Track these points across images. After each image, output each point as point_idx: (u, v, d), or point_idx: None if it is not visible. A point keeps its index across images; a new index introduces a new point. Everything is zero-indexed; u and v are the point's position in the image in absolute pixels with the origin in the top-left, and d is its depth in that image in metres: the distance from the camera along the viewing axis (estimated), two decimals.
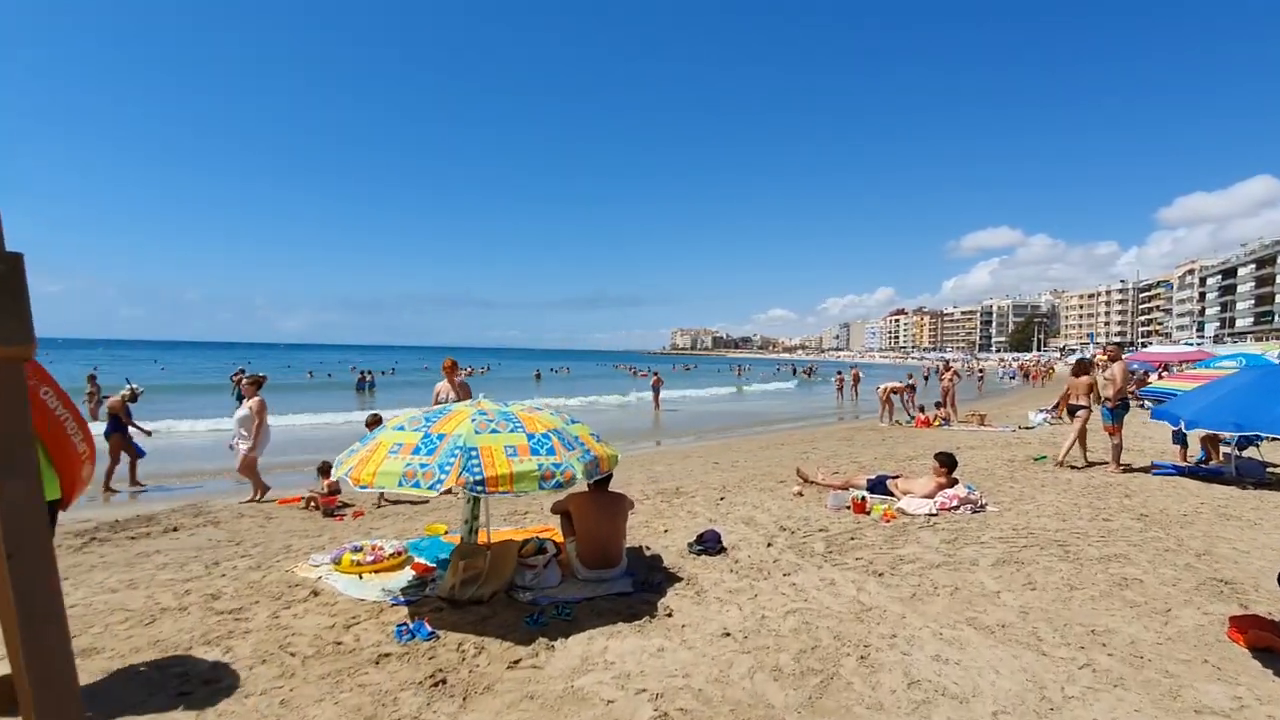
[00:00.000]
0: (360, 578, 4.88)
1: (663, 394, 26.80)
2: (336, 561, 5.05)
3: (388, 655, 3.66)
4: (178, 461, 12.61)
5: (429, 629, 3.90)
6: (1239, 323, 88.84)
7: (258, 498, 8.45)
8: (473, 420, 4.15)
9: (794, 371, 67.07)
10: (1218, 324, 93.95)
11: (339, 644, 3.82)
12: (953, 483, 7.40)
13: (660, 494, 8.23)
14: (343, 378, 41.61)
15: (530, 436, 4.15)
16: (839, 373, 34.49)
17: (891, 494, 7.64)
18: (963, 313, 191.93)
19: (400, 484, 3.82)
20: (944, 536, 6.11)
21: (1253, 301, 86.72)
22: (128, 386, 10.57)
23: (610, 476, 5.02)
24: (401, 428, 4.26)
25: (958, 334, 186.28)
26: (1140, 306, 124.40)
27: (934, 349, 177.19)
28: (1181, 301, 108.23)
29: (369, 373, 36.72)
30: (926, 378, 46.80)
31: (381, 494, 7.93)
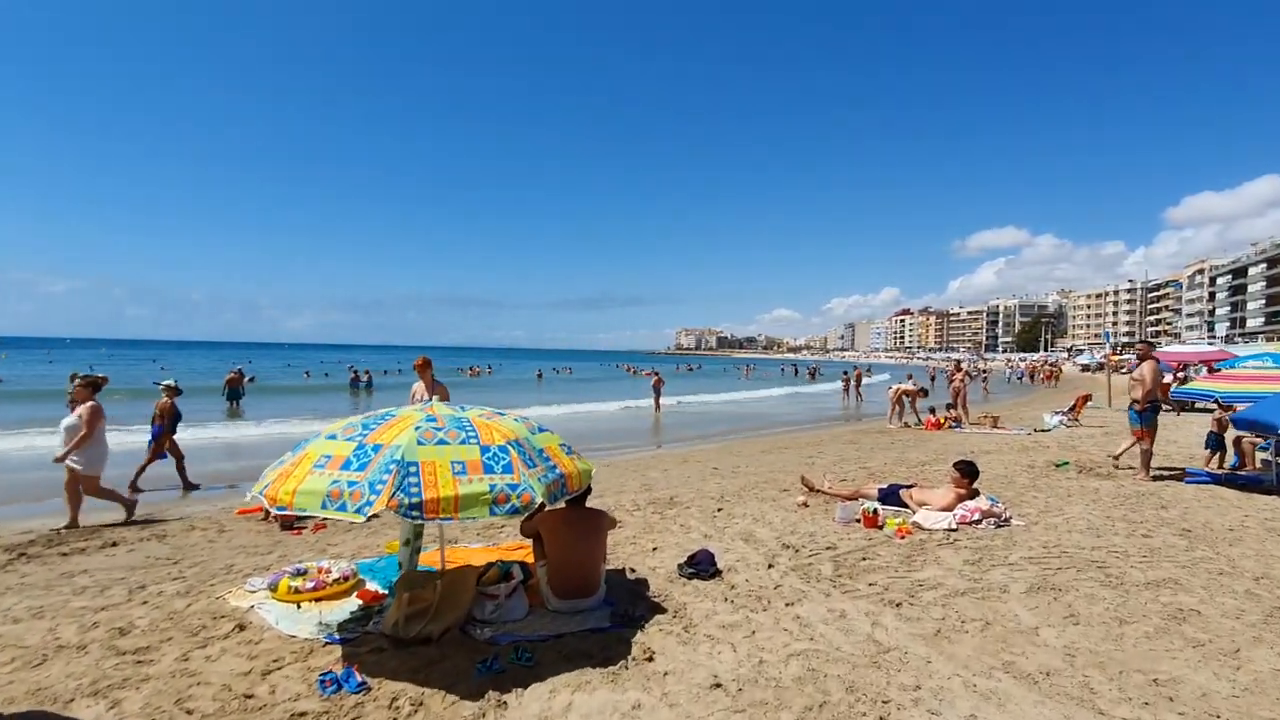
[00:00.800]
0: (298, 607, 4.24)
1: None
2: (273, 588, 4.41)
3: (303, 715, 3.01)
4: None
5: (359, 678, 3.25)
6: (1250, 323, 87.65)
7: (126, 517, 7.17)
8: (417, 429, 3.50)
9: (795, 372, 66.00)
10: (1228, 324, 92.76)
11: (249, 698, 3.17)
12: (973, 494, 6.73)
13: (653, 504, 7.57)
14: (341, 377, 40.97)
15: (484, 450, 3.50)
16: (845, 373, 33.78)
17: (905, 505, 6.96)
18: (969, 313, 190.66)
19: (324, 506, 3.17)
20: (966, 556, 5.44)
21: (1263, 301, 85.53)
22: (164, 386, 10.21)
23: (588, 492, 4.36)
24: (334, 436, 3.61)
25: (964, 334, 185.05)
26: (1149, 306, 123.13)
27: (940, 349, 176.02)
28: (1191, 301, 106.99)
29: (366, 372, 36.13)
30: (933, 378, 46.13)
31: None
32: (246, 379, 38.88)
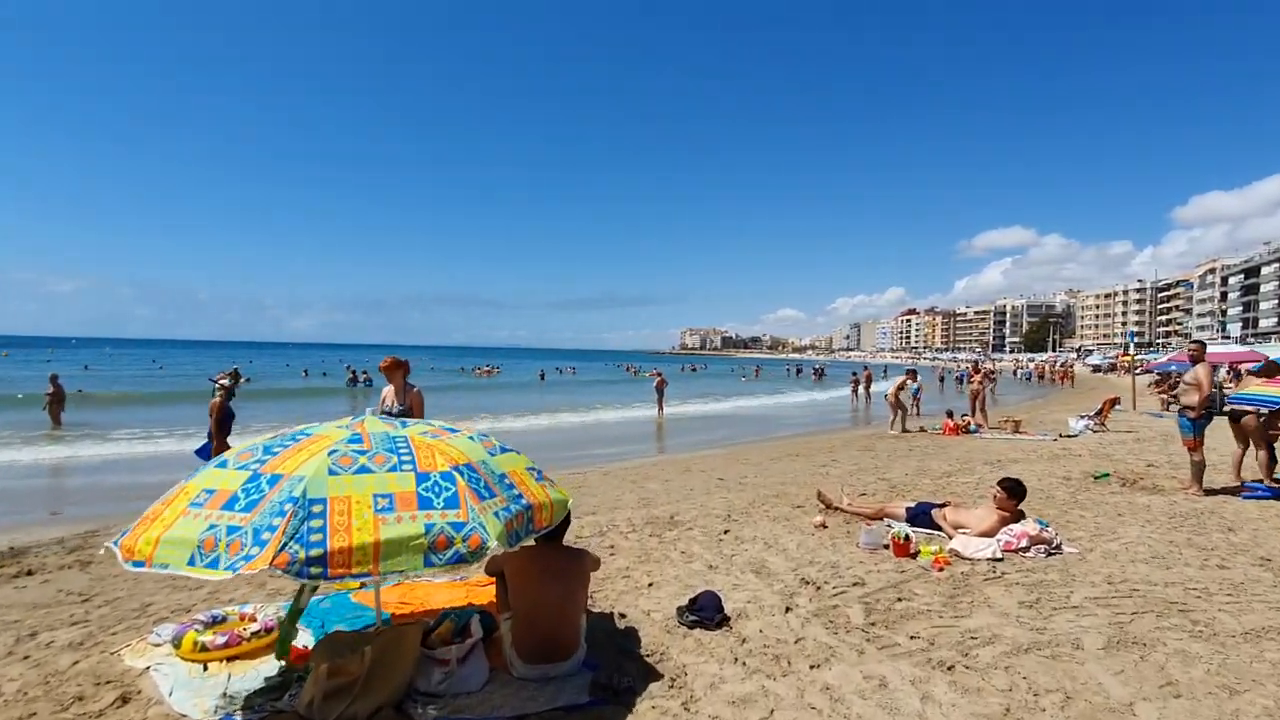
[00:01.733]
0: (204, 669, 3.41)
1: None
2: (176, 643, 3.58)
3: None
4: (133, 475, 11.24)
5: None
6: (1263, 323, 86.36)
7: None
8: (332, 453, 2.67)
9: (798, 372, 65.17)
10: (1240, 324, 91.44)
11: None
12: (1018, 516, 5.87)
13: (650, 524, 6.72)
14: (339, 377, 40.21)
15: (422, 478, 2.67)
16: (854, 374, 32.88)
17: (938, 528, 6.11)
18: (976, 313, 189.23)
19: (191, 561, 2.34)
20: (1020, 596, 4.58)
21: (1276, 301, 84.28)
22: (218, 386, 9.67)
23: (565, 525, 3.52)
24: (224, 464, 2.78)
25: (970, 334, 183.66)
26: (1159, 307, 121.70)
27: (946, 349, 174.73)
28: (1202, 301, 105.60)
29: (364, 372, 35.43)
30: (942, 379, 45.08)
31: None
32: (243, 379, 38.03)
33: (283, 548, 2.26)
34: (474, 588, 4.64)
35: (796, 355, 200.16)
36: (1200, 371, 8.00)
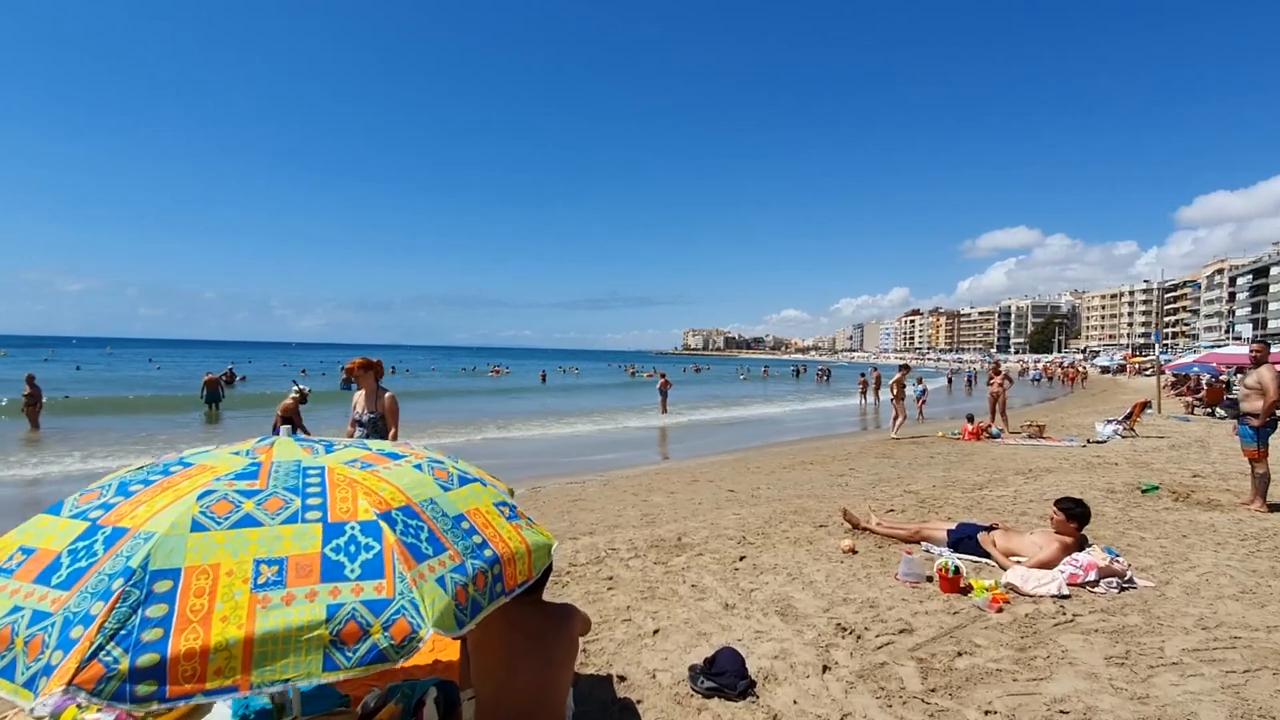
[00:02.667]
0: None
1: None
2: (56, 718, 2.80)
3: None
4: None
5: None
6: (1272, 324, 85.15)
7: None
8: (205, 496, 1.87)
9: (797, 374, 64.62)
10: (1249, 325, 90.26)
11: None
12: (1082, 543, 5.07)
13: (655, 546, 5.93)
14: (339, 377, 39.43)
15: (332, 532, 1.87)
16: (862, 374, 32.01)
17: (985, 554, 5.32)
18: (980, 313, 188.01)
19: None
20: (1105, 647, 3.78)
21: None
22: (295, 389, 10.13)
23: (545, 576, 2.72)
24: (58, 508, 1.99)
25: (975, 335, 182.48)
26: (1166, 307, 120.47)
27: (950, 350, 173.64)
28: (1210, 302, 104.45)
29: None
30: (950, 380, 44.24)
31: None
32: (239, 378, 37.43)
33: (94, 653, 1.48)
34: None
35: (800, 356, 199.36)
36: (1265, 375, 7.19)
